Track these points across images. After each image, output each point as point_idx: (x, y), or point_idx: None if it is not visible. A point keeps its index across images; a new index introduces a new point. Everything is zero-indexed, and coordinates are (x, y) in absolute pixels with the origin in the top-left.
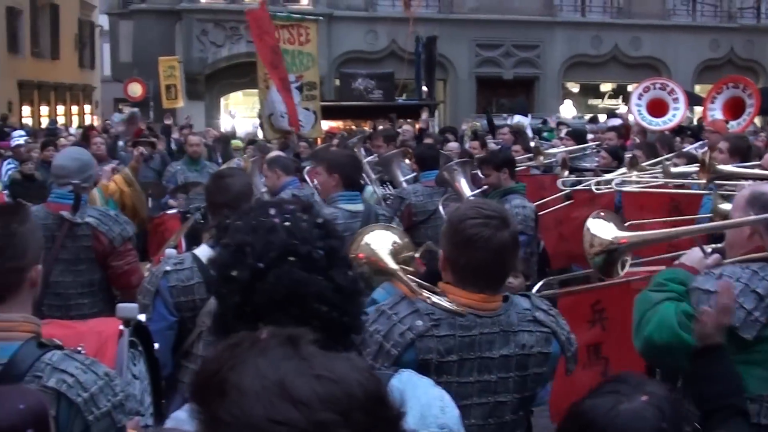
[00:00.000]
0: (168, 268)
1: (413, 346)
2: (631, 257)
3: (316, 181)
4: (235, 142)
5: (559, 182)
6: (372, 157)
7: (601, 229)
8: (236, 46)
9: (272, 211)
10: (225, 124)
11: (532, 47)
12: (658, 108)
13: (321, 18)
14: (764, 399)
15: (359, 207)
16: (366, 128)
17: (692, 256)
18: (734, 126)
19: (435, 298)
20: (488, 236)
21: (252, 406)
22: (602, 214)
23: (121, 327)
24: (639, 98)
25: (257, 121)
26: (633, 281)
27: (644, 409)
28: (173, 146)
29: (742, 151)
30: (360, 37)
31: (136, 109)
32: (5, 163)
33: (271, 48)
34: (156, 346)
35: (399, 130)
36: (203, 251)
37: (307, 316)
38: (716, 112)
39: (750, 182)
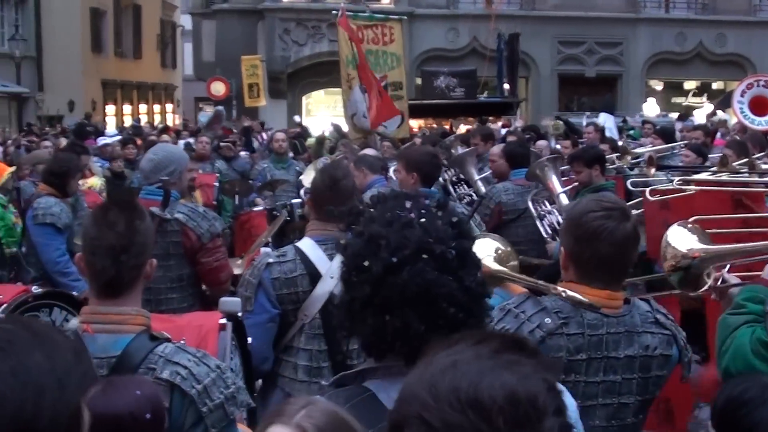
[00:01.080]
0: (271, 260)
1: (543, 344)
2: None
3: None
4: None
5: (629, 183)
6: None
7: (680, 240)
8: (318, 45)
9: (408, 205)
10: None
11: (614, 44)
12: (761, 106)
13: (405, 17)
14: None
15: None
16: (446, 126)
17: None
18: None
19: (569, 292)
20: (612, 228)
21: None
22: (689, 224)
23: (223, 321)
24: (741, 95)
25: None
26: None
27: None
28: (255, 145)
29: None
30: (441, 34)
31: (220, 108)
32: (95, 161)
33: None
34: (249, 340)
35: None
36: (306, 244)
37: (435, 316)
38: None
39: None
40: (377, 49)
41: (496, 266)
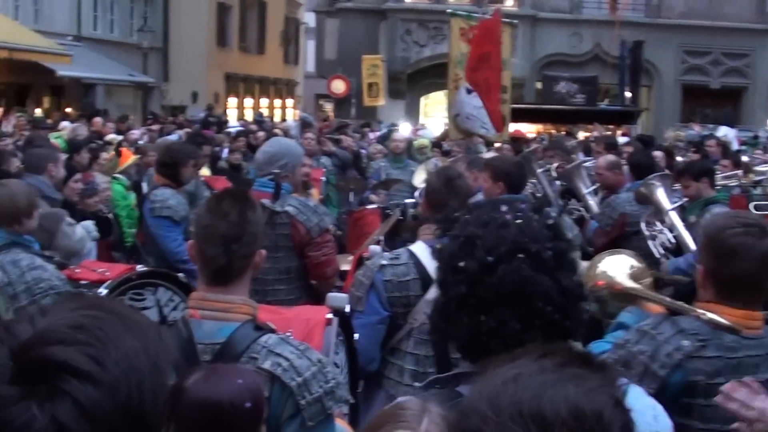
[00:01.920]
0: (384, 262)
1: (681, 367)
2: None
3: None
4: (422, 141)
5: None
6: (591, 163)
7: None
8: (439, 46)
9: (504, 208)
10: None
11: (742, 56)
12: None
13: (515, 21)
14: None
15: None
16: (563, 132)
17: None
18: None
19: (710, 314)
20: (751, 245)
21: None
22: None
23: (330, 315)
24: None
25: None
26: None
27: None
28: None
29: None
30: (564, 39)
31: (306, 115)
32: (223, 152)
33: (498, 52)
34: (356, 337)
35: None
36: (419, 248)
37: (530, 315)
38: None
39: None
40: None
41: (630, 283)
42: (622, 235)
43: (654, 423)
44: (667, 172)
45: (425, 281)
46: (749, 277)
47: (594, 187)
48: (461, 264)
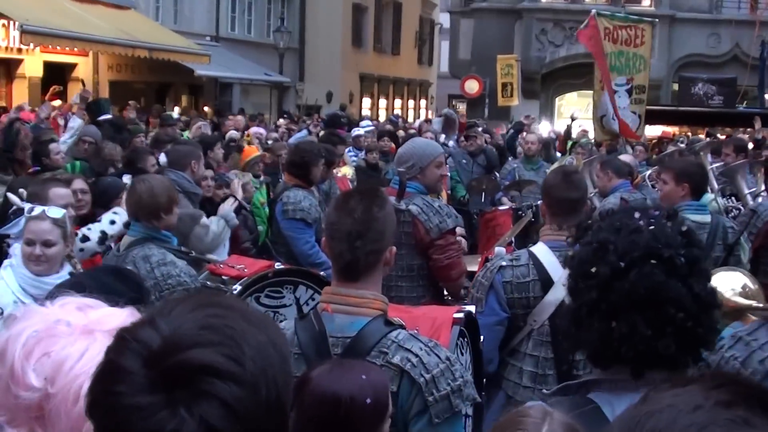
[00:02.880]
0: (504, 263)
1: None
2: None
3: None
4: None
5: None
6: (718, 164)
7: None
8: (574, 46)
9: (637, 215)
10: (559, 125)
11: None
12: None
13: (656, 20)
14: None
15: (707, 218)
16: (701, 135)
17: None
18: None
19: None
20: None
21: None
22: None
23: (458, 315)
24: None
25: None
26: None
27: None
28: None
29: None
30: (702, 39)
31: (449, 110)
32: (347, 151)
33: (601, 53)
34: (482, 339)
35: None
36: (540, 249)
37: (662, 322)
38: None
39: None
40: (628, 50)
41: (741, 299)
42: (766, 245)
43: None
44: None
45: (545, 282)
46: None
47: (755, 188)
48: (593, 269)
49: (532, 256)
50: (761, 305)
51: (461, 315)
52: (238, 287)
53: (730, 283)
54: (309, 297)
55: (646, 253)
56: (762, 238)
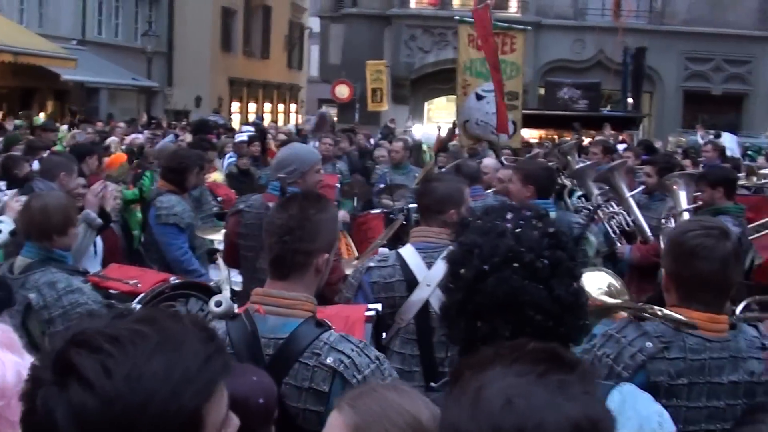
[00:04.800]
0: (372, 264)
1: (644, 369)
2: None
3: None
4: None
5: None
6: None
7: None
8: (443, 52)
9: (509, 216)
10: (417, 130)
11: (743, 62)
12: None
13: (529, 28)
14: None
15: (552, 215)
16: (567, 138)
17: None
18: None
19: (666, 311)
20: (711, 246)
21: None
22: None
23: (370, 313)
24: None
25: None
26: None
27: None
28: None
29: None
30: (567, 45)
31: (324, 110)
32: (227, 156)
33: (493, 50)
34: (384, 336)
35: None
36: (407, 250)
37: (521, 323)
38: None
39: None
40: (499, 57)
41: (607, 298)
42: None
43: (659, 429)
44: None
45: (410, 283)
46: (710, 278)
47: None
48: (461, 271)
49: (399, 257)
50: (628, 304)
51: (373, 313)
52: (135, 306)
53: (596, 283)
54: (199, 308)
55: (507, 257)
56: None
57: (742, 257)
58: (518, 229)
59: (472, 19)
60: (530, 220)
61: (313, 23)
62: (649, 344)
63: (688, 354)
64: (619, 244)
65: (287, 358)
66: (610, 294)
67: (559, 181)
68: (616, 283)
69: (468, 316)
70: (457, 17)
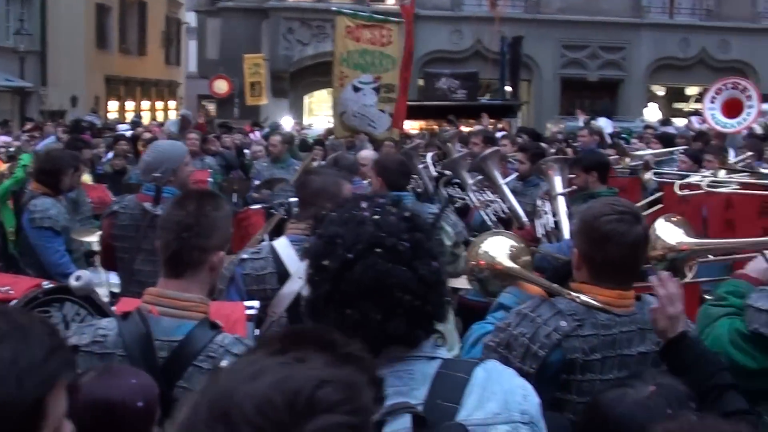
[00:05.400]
0: (244, 256)
1: (560, 347)
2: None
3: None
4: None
5: (676, 186)
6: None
7: (667, 232)
8: (321, 44)
9: (364, 205)
10: (287, 123)
11: (618, 49)
12: (733, 108)
13: (404, 20)
14: None
15: None
16: (448, 128)
17: (756, 265)
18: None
19: (583, 297)
20: (624, 231)
21: None
22: (674, 218)
23: (250, 311)
24: (712, 102)
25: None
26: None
27: (648, 399)
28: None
29: None
30: (445, 36)
31: (187, 112)
32: (108, 155)
33: (410, 47)
34: (257, 332)
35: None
36: (281, 243)
37: (391, 305)
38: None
39: None
40: (374, 49)
41: (510, 264)
42: None
43: (524, 402)
44: (566, 157)
45: (282, 275)
46: (621, 261)
47: (513, 176)
48: (325, 263)
49: (272, 249)
50: (542, 282)
51: (253, 311)
52: None
53: (499, 246)
54: (75, 312)
55: (370, 244)
56: None
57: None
58: (376, 216)
59: (349, 11)
60: (386, 207)
61: (190, 18)
62: (563, 323)
63: (600, 330)
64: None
65: (181, 361)
66: (512, 256)
67: (435, 173)
68: (517, 244)
69: (336, 305)
70: (334, 8)
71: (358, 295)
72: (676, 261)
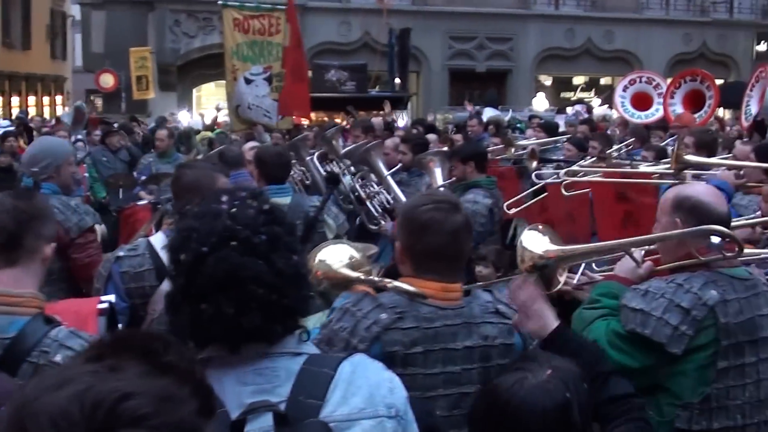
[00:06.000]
0: (121, 253)
1: (379, 340)
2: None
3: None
4: (206, 134)
5: (533, 176)
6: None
7: (533, 242)
8: (209, 37)
9: (223, 198)
10: (184, 117)
11: (505, 40)
12: (642, 102)
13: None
14: (694, 406)
15: (287, 200)
16: (338, 120)
17: (625, 265)
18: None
19: (396, 282)
20: (442, 219)
21: None
22: (539, 227)
23: (102, 306)
24: (624, 90)
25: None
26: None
27: (548, 383)
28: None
29: (708, 144)
30: (333, 28)
31: (81, 103)
32: None
33: (298, 37)
34: (120, 327)
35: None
36: (158, 238)
37: (245, 299)
38: (677, 107)
39: (720, 170)
40: (263, 39)
41: (347, 271)
42: None
43: (390, 395)
44: (445, 149)
45: (160, 271)
46: (441, 250)
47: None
48: (181, 257)
49: (149, 245)
50: (369, 277)
51: (106, 305)
52: None
53: (337, 256)
54: None
55: (224, 237)
56: None
57: (472, 228)
58: (233, 209)
59: (236, 2)
60: (245, 200)
61: (75, 11)
62: (383, 315)
63: (422, 323)
64: (383, 222)
65: (14, 358)
66: (351, 266)
67: (329, 169)
68: (357, 255)
69: (192, 300)
70: (221, 2)
71: (212, 288)
72: (546, 270)
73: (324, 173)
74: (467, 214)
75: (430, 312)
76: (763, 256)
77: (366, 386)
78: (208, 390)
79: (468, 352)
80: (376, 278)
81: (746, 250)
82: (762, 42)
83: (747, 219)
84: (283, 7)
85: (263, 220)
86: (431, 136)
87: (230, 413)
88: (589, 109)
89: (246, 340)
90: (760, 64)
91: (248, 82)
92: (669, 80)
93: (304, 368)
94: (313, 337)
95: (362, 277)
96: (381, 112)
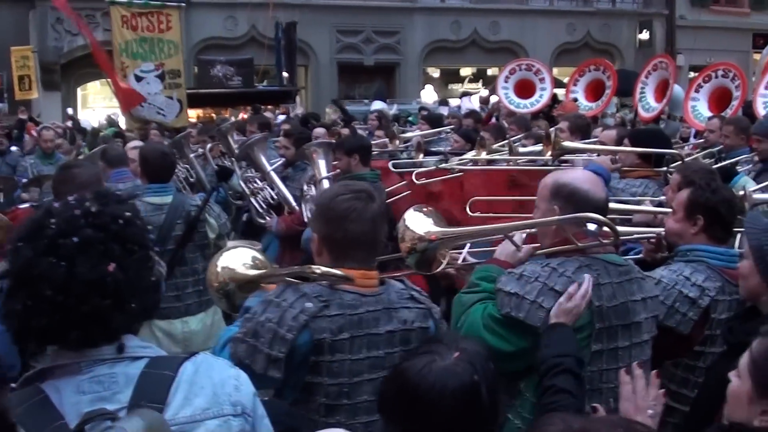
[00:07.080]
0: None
1: (308, 328)
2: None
3: None
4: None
5: (390, 164)
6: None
7: (416, 223)
8: (93, 34)
9: (71, 198)
10: (85, 115)
11: (392, 33)
12: (526, 89)
13: (183, 4)
14: None
15: (167, 199)
16: (227, 116)
17: (504, 249)
18: (593, 107)
19: (323, 268)
20: (361, 208)
21: None
22: (424, 209)
23: None
24: (505, 81)
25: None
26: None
27: (456, 365)
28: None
29: (582, 128)
30: (219, 23)
31: None
32: None
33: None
34: None
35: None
36: None
37: (38, 300)
38: (579, 95)
39: (587, 156)
40: (153, 36)
41: (252, 272)
42: None
43: (235, 393)
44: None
45: None
46: (360, 238)
47: (279, 161)
48: (8, 246)
49: None
50: (285, 270)
51: None
52: None
53: (240, 259)
54: None
55: (34, 233)
56: None
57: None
58: (57, 207)
59: (123, 0)
60: (81, 201)
61: None
62: (309, 304)
63: (347, 310)
64: (267, 218)
65: None
66: (255, 267)
67: (221, 164)
68: (260, 256)
69: (6, 298)
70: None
71: (17, 285)
72: (427, 251)
73: (216, 167)
74: (382, 202)
75: (354, 299)
76: (637, 236)
77: (209, 386)
78: (3, 410)
79: (390, 336)
80: (297, 267)
81: (622, 229)
82: (644, 30)
83: (651, 206)
84: (173, 4)
85: (83, 223)
86: (320, 130)
87: (69, 424)
88: (485, 100)
89: (42, 343)
90: (658, 55)
91: (139, 79)
92: (554, 69)
93: (144, 372)
94: (231, 334)
95: (276, 272)
96: (269, 107)
